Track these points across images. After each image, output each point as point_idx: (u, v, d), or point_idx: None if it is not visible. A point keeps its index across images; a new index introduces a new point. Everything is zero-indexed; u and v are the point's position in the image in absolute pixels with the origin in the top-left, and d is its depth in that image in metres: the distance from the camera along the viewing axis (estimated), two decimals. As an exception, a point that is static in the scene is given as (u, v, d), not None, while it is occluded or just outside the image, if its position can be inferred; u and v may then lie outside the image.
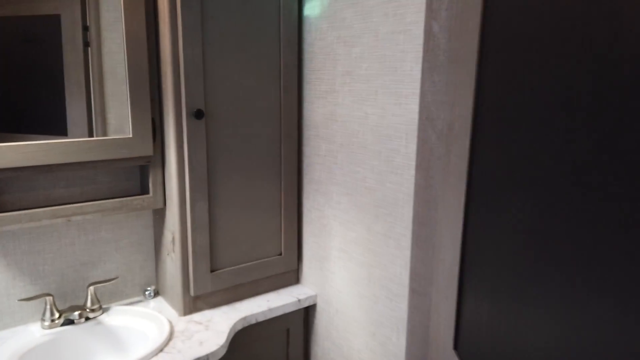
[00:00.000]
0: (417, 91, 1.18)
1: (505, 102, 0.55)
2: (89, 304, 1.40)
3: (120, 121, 1.37)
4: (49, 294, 1.34)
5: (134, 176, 1.51)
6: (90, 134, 1.35)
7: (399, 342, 1.32)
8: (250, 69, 1.44)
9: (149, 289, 1.57)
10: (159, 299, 1.58)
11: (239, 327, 1.46)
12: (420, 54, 1.16)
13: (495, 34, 0.56)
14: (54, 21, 1.36)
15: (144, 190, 1.49)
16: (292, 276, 1.68)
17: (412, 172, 1.21)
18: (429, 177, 0.76)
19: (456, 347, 0.67)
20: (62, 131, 1.36)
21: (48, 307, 1.34)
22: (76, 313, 1.35)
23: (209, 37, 1.35)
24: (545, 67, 0.50)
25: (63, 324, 1.35)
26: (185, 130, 1.35)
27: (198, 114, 1.35)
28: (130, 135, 1.36)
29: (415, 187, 0.87)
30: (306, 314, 1.67)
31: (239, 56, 1.42)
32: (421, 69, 0.91)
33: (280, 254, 1.62)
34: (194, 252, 1.42)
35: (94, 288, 1.41)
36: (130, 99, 1.34)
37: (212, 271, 1.47)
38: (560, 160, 0.47)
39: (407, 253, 1.26)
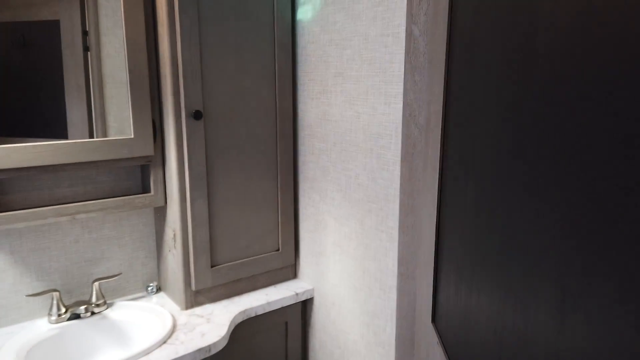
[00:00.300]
0: (406, 90, 1.24)
1: (463, 99, 0.61)
2: (94, 299, 1.45)
3: (120, 123, 1.43)
4: (55, 290, 1.39)
5: (135, 176, 1.56)
6: (91, 137, 1.40)
7: (392, 331, 1.38)
8: (246, 72, 1.50)
9: (151, 284, 1.62)
10: (161, 294, 1.63)
11: (239, 320, 1.51)
12: (408, 55, 1.22)
13: (457, 38, 0.62)
14: (54, 26, 1.40)
15: (145, 189, 1.55)
16: (290, 271, 1.73)
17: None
18: (413, 168, 0.82)
19: (434, 320, 0.73)
20: (62, 134, 1.40)
21: (55, 302, 1.39)
22: (82, 307, 1.41)
23: (206, 41, 1.41)
24: (485, 68, 0.56)
25: (69, 319, 1.40)
26: (184, 131, 1.40)
27: (197, 115, 1.40)
28: (132, 136, 1.41)
29: (401, 179, 0.93)
30: (303, 307, 1.72)
31: (235, 59, 1.47)
32: (404, 70, 0.96)
33: (278, 250, 1.67)
34: (194, 248, 1.47)
35: (99, 284, 1.46)
36: (131, 100, 1.40)
37: (212, 266, 1.53)
38: (500, 153, 0.53)
39: (399, 245, 1.32)
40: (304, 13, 1.55)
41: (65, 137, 1.40)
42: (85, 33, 1.42)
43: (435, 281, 0.69)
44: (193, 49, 1.38)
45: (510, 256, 0.51)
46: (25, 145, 1.27)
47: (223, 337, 1.38)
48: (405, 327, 0.97)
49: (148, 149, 1.44)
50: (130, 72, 1.39)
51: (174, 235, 1.49)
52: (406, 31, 0.89)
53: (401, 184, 0.93)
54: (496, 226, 0.54)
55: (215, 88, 1.45)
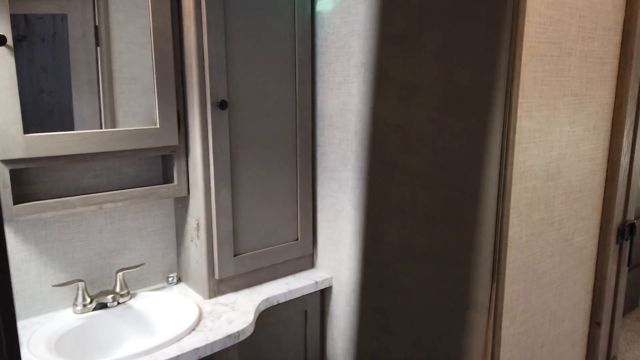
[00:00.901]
0: (431, 79, 1.28)
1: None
2: (117, 289, 1.46)
3: (130, 118, 1.42)
4: (80, 280, 1.39)
5: (156, 167, 1.57)
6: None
7: (415, 315, 1.41)
8: (267, 63, 1.52)
9: (171, 275, 1.63)
10: (182, 285, 1.64)
11: (262, 308, 1.53)
12: (434, 45, 1.26)
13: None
14: (60, 20, 1.40)
15: (166, 180, 1.56)
16: (308, 261, 1.75)
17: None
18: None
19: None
20: (69, 129, 1.37)
21: (80, 292, 1.39)
22: (109, 297, 1.41)
23: (230, 33, 1.42)
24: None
25: (95, 309, 1.40)
26: (209, 120, 1.42)
27: (222, 105, 1.42)
28: (158, 126, 1.42)
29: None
30: (322, 296, 1.75)
31: (257, 51, 1.49)
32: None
33: (297, 239, 1.69)
34: (218, 237, 1.49)
35: (123, 274, 1.47)
36: (157, 91, 1.41)
37: (235, 255, 1.54)
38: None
39: (423, 231, 1.35)
40: (323, 5, 1.57)
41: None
42: (96, 28, 1.42)
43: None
44: (218, 40, 1.40)
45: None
46: (55, 134, 1.27)
47: (250, 324, 1.39)
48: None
49: (173, 139, 1.45)
50: (157, 62, 1.40)
51: (197, 225, 1.51)
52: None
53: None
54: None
55: (238, 79, 1.46)
